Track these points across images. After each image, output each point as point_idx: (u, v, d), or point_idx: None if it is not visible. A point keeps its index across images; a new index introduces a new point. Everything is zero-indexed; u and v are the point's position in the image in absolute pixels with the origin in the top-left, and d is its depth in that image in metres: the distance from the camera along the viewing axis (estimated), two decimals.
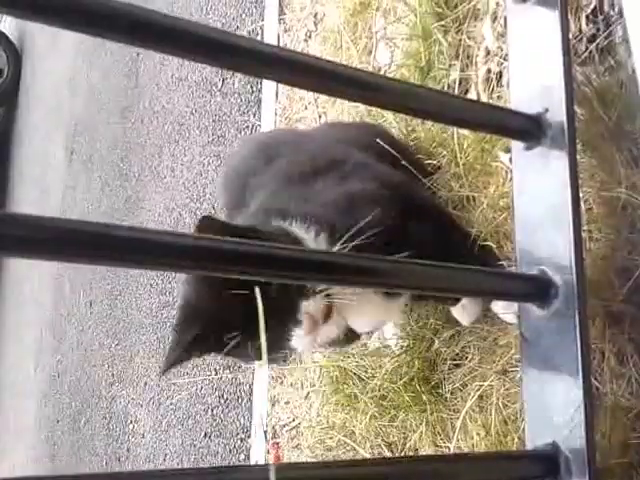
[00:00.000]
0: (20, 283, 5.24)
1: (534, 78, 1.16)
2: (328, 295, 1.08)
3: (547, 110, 1.11)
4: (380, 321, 1.38)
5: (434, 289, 1.00)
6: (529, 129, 1.10)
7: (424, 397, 1.46)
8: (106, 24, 0.74)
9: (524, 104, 1.15)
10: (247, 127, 2.73)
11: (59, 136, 4.83)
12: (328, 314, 1.10)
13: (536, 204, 1.12)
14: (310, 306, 1.08)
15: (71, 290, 4.14)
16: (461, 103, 1.14)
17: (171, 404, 2.75)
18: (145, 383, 3.06)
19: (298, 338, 1.10)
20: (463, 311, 1.43)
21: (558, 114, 1.11)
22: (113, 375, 3.39)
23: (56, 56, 5.22)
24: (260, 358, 1.02)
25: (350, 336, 1.25)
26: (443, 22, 1.59)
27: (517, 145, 1.15)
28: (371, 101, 0.98)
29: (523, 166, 1.15)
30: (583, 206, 1.18)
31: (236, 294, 0.98)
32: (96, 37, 0.77)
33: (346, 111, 2.08)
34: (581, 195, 1.15)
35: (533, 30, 1.18)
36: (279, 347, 1.13)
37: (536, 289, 1.05)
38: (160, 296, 3.11)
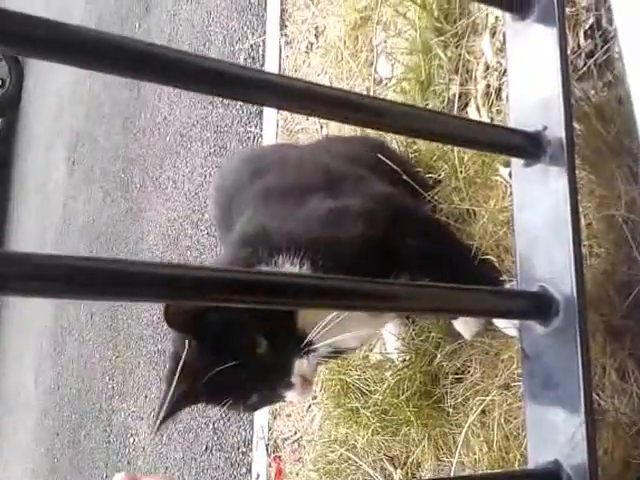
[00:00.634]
0: (19, 300, 5.24)
1: (533, 95, 1.16)
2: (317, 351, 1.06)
3: (546, 127, 1.11)
4: (368, 336, 1.36)
5: (432, 310, 1.00)
6: (528, 146, 1.11)
7: (426, 411, 1.46)
8: (105, 59, 0.74)
9: (523, 121, 1.16)
10: (249, 138, 2.74)
11: (61, 146, 4.84)
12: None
13: (536, 220, 1.12)
14: (303, 366, 1.06)
15: (72, 302, 4.14)
16: (461, 123, 1.15)
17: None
18: (146, 396, 3.06)
19: (291, 396, 1.08)
20: (465, 325, 1.43)
21: (557, 131, 1.11)
22: (113, 388, 3.39)
23: (58, 67, 5.23)
24: (254, 410, 1.02)
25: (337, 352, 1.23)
26: (443, 37, 1.60)
27: (517, 162, 1.16)
28: (370, 124, 0.99)
29: (523, 182, 1.15)
30: (583, 221, 1.19)
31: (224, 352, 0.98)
32: (98, 72, 0.77)
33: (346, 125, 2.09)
34: (581, 211, 1.15)
35: (532, 47, 1.19)
36: (271, 402, 1.12)
37: (537, 306, 1.06)
38: (161, 307, 3.10)
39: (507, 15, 1.22)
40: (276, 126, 2.53)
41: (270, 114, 2.58)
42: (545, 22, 1.19)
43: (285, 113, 2.50)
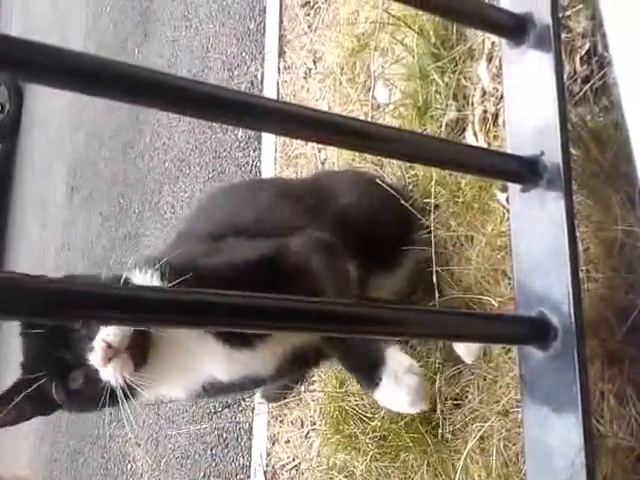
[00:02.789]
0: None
1: (530, 121, 1.17)
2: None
3: (543, 153, 1.12)
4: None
5: (429, 335, 1.00)
6: (525, 172, 1.11)
7: (425, 438, 1.45)
8: (108, 85, 0.75)
9: (520, 147, 1.16)
10: (247, 163, 2.75)
11: (60, 171, 4.85)
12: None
13: (534, 246, 1.13)
14: (109, 335, 1.02)
15: None
16: (458, 148, 1.15)
17: (170, 443, 2.72)
18: (143, 421, 3.04)
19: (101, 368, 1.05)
20: (466, 349, 1.43)
21: (554, 156, 1.12)
22: (111, 413, 3.35)
23: (58, 92, 5.26)
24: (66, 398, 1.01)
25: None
26: (440, 63, 1.61)
27: (514, 187, 1.16)
28: (368, 150, 1.00)
29: (520, 208, 1.16)
30: (580, 246, 1.19)
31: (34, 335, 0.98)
32: (96, 97, 0.77)
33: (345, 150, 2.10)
34: (578, 235, 1.16)
35: (528, 73, 1.20)
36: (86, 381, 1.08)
37: (535, 332, 1.05)
38: None
39: (503, 41, 1.23)
40: (274, 151, 2.54)
41: (268, 139, 2.59)
42: (541, 48, 1.20)
43: (283, 138, 2.51)
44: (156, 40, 3.76)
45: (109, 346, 1.02)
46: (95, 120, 4.48)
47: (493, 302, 1.30)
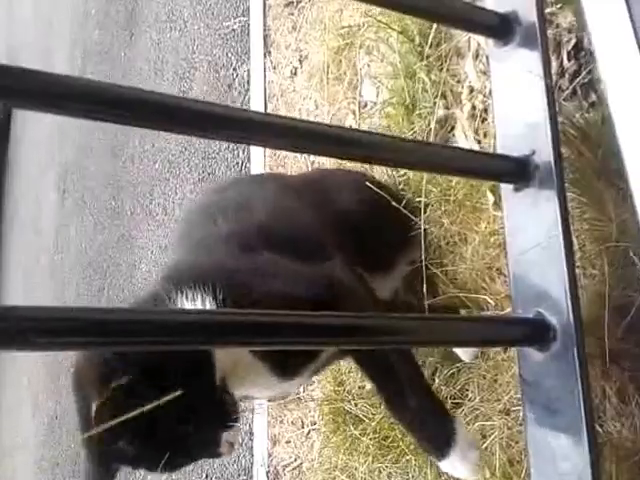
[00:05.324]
0: None
1: (519, 120, 1.16)
2: None
3: (534, 152, 1.11)
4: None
5: (428, 342, 0.99)
6: (517, 172, 1.11)
7: None
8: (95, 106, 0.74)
9: (510, 146, 1.16)
10: (237, 164, 2.74)
11: (51, 176, 4.83)
12: None
13: (529, 246, 1.12)
14: (231, 435, 1.03)
15: None
16: (447, 152, 1.15)
17: None
18: None
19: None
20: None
21: (545, 155, 1.11)
22: None
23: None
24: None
25: None
26: (426, 61, 1.60)
27: (506, 187, 1.15)
28: (354, 158, 0.99)
29: (513, 208, 1.15)
30: (575, 243, 1.19)
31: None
32: (87, 120, 0.76)
33: None
34: (573, 232, 1.15)
35: (515, 72, 1.19)
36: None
37: (533, 333, 1.05)
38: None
39: (489, 41, 1.22)
40: (263, 151, 2.53)
41: None
42: (527, 46, 1.19)
43: None
44: (142, 42, 3.73)
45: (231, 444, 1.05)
46: (84, 124, 4.45)
47: (489, 300, 1.30)
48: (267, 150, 2.52)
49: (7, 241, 5.86)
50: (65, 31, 4.92)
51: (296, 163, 2.31)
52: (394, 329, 0.91)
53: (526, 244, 1.13)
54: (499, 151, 1.18)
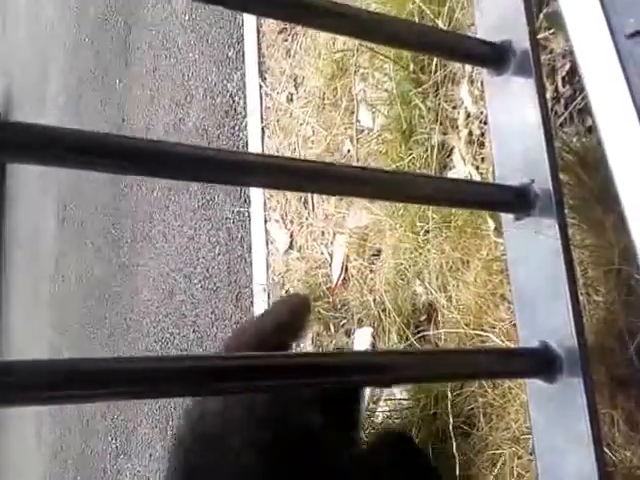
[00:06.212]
0: (17, 357, 5.20)
1: (516, 148, 1.17)
2: None
3: (533, 181, 1.12)
4: None
5: (432, 378, 0.99)
6: (517, 202, 1.11)
7: (437, 469, 1.44)
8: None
9: (509, 175, 1.16)
10: (236, 190, 2.74)
11: (50, 204, 4.84)
12: None
13: (532, 275, 1.12)
14: None
15: None
16: (446, 185, 1.15)
17: None
18: (150, 455, 3.02)
19: None
20: None
21: (544, 183, 1.11)
22: (117, 447, 3.34)
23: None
24: None
25: None
26: (420, 88, 1.61)
27: (506, 216, 1.15)
28: (351, 194, 0.99)
29: (514, 237, 1.15)
30: (578, 270, 1.18)
31: None
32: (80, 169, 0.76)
33: None
34: (575, 259, 1.15)
35: (511, 101, 1.19)
36: None
37: (539, 364, 1.05)
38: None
39: (484, 70, 1.23)
40: None
41: None
42: (522, 75, 1.20)
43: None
44: (136, 69, 3.75)
45: None
46: None
47: (494, 339, 1.30)
48: None
49: (7, 269, 5.86)
50: (60, 58, 4.95)
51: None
52: (392, 366, 0.91)
53: (529, 273, 1.13)
54: (498, 179, 1.18)
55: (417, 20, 1.52)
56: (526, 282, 1.13)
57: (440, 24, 1.46)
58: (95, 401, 0.75)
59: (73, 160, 0.78)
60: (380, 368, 0.91)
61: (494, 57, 1.18)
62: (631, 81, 0.52)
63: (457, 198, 1.06)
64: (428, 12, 1.47)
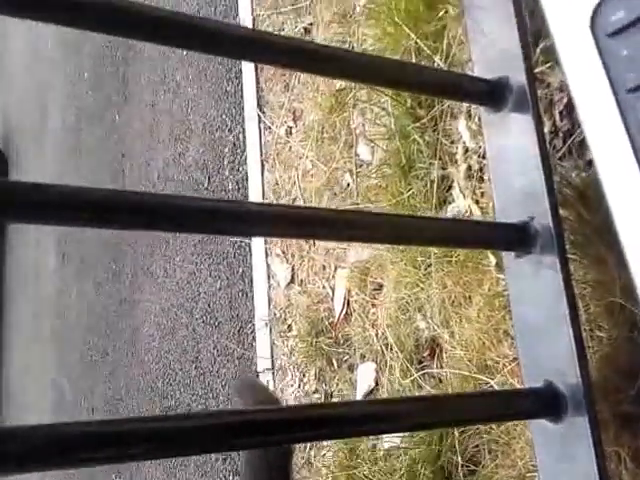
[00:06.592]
0: (19, 394, 5.17)
1: (516, 186, 1.16)
2: None
3: (533, 218, 1.11)
4: None
5: (435, 424, 0.98)
6: (517, 240, 1.10)
7: None
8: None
9: (509, 212, 1.16)
10: None
11: (50, 241, 4.84)
12: None
13: (534, 312, 1.11)
14: None
15: (72, 396, 4.08)
16: (446, 225, 1.15)
17: None
18: None
19: None
20: None
21: (544, 220, 1.11)
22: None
23: (41, 162, 5.28)
24: None
25: None
26: (419, 123, 1.61)
27: (508, 253, 1.15)
28: (360, 239, 0.99)
29: (516, 274, 1.15)
30: (580, 305, 1.18)
31: None
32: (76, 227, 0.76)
33: (335, 206, 2.09)
34: (577, 294, 1.14)
35: (510, 137, 1.19)
36: None
37: (544, 404, 1.03)
38: (162, 400, 3.06)
39: (481, 108, 1.23)
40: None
41: (254, 195, 2.58)
42: (520, 111, 1.20)
43: (271, 196, 2.51)
44: (135, 104, 3.77)
45: None
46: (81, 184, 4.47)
47: (498, 377, 1.29)
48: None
49: (8, 306, 5.84)
50: (58, 92, 4.98)
51: None
52: (396, 414, 0.90)
53: (531, 311, 1.12)
54: (498, 215, 1.18)
55: (414, 56, 1.53)
56: (528, 319, 1.12)
57: (437, 60, 1.47)
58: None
59: (72, 218, 0.78)
60: (380, 418, 0.90)
61: (491, 95, 1.19)
62: (633, 136, 0.52)
63: (458, 239, 1.05)
64: (425, 48, 1.48)
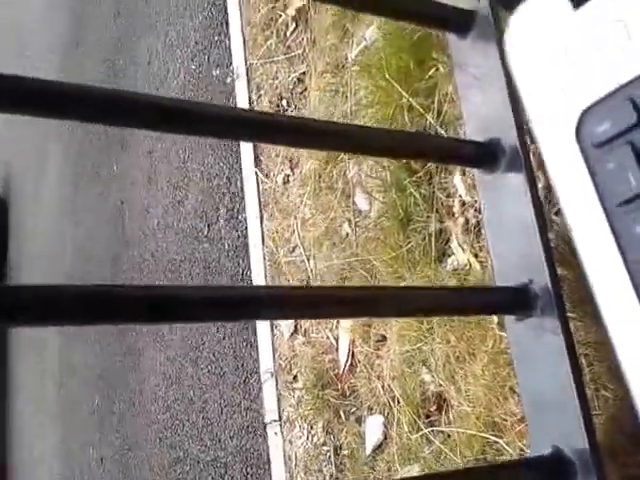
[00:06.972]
0: (26, 447, 5.13)
1: (513, 245, 1.17)
2: None
3: (531, 281, 1.11)
4: None
5: None
6: (517, 303, 1.10)
7: None
8: None
9: (507, 274, 1.16)
10: (237, 273, 2.75)
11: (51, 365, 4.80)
12: None
13: (537, 374, 1.11)
14: None
15: (80, 448, 4.05)
16: (448, 294, 1.15)
17: None
18: None
19: None
20: None
21: (543, 281, 1.11)
22: None
23: (41, 212, 5.29)
24: None
25: None
26: (414, 177, 1.62)
27: (509, 317, 1.15)
28: (366, 314, 0.99)
29: (517, 337, 1.14)
30: (584, 364, 1.17)
31: None
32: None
33: (334, 256, 2.10)
34: (580, 353, 1.14)
35: (504, 197, 1.20)
36: None
37: (554, 473, 1.03)
38: (170, 451, 3.04)
39: (475, 170, 1.24)
40: (263, 259, 2.54)
41: (256, 247, 2.59)
42: (513, 170, 1.21)
43: (270, 245, 2.51)
44: (133, 152, 3.79)
45: None
46: (83, 233, 4.49)
47: (504, 445, 1.28)
48: (266, 257, 2.53)
49: (12, 366, 5.78)
50: (57, 142, 5.01)
51: (297, 271, 2.32)
52: None
53: (534, 373, 1.12)
54: (497, 279, 1.18)
55: (406, 114, 1.55)
56: (532, 381, 1.11)
57: (429, 118, 1.48)
58: None
59: (77, 319, 0.78)
60: None
61: (484, 157, 1.19)
62: (623, 248, 0.52)
63: (458, 307, 1.05)
64: (417, 106, 1.49)
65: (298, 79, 2.48)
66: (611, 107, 0.51)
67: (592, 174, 0.56)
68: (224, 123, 0.91)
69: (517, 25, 0.57)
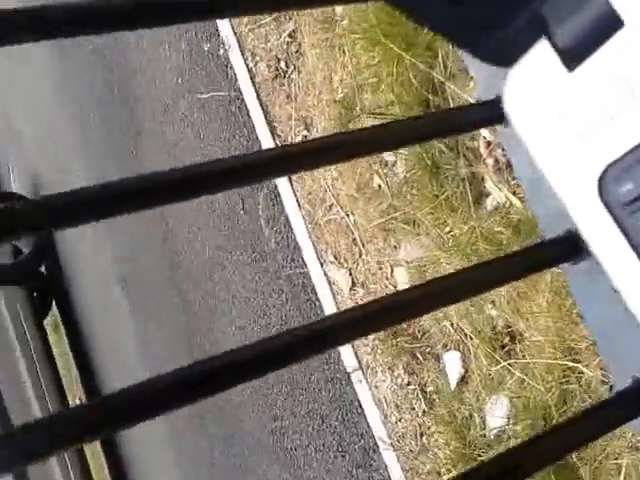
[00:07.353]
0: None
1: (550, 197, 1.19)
2: None
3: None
4: None
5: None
6: (567, 252, 1.13)
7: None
8: None
9: (553, 225, 1.18)
10: (283, 239, 2.80)
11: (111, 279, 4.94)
12: None
13: (604, 312, 1.15)
14: None
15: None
16: (509, 262, 1.18)
17: None
18: None
19: None
20: None
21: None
22: None
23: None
24: None
25: None
26: None
27: (563, 266, 1.18)
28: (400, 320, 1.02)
29: (576, 278, 1.17)
30: None
31: None
32: None
33: (372, 209, 2.13)
34: None
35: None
36: None
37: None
38: (265, 409, 3.18)
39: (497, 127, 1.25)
40: (303, 222, 2.58)
41: (294, 214, 2.62)
42: None
43: (307, 206, 2.55)
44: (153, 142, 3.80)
45: None
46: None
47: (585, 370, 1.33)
48: (306, 221, 2.57)
49: None
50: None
51: (339, 230, 2.36)
52: None
53: (600, 311, 1.16)
54: (542, 230, 1.21)
55: (410, 72, 1.54)
56: (599, 320, 1.16)
57: (436, 75, 1.48)
58: None
59: None
60: None
61: (500, 114, 1.20)
62: None
63: (520, 271, 1.09)
64: (422, 67, 1.49)
65: (290, 37, 2.45)
66: (629, 167, 0.53)
67: (625, 232, 0.57)
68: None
69: (514, 87, 0.58)
